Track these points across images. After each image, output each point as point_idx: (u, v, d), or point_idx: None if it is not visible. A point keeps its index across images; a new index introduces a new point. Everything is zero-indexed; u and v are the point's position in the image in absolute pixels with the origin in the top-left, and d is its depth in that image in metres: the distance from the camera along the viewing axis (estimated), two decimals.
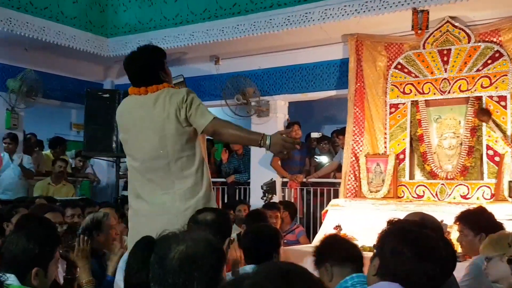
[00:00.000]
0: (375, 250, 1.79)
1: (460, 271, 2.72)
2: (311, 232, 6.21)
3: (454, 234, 3.74)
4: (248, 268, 2.82)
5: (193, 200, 2.73)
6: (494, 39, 5.33)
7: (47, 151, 8.05)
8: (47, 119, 9.09)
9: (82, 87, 7.74)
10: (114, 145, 6.94)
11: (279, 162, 6.74)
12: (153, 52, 2.93)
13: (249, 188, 7.06)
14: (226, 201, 7.24)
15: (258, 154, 7.01)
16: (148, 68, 2.86)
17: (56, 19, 6.77)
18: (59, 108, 8.50)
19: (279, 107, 7.00)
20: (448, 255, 1.65)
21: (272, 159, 6.69)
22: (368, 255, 2.05)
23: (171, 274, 1.45)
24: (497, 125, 5.22)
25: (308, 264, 4.66)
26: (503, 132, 5.19)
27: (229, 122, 2.89)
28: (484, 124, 5.33)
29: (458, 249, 3.18)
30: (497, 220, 3.08)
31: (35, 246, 2.06)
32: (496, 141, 5.27)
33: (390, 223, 1.82)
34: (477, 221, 2.95)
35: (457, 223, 2.99)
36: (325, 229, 5.27)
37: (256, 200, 6.26)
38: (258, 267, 1.08)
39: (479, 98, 5.39)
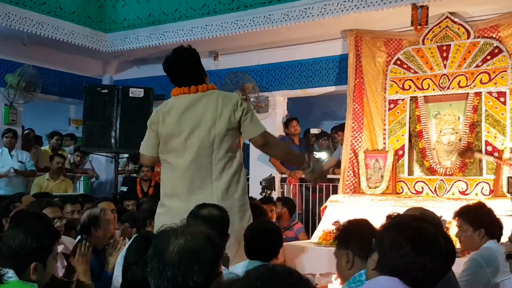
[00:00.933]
0: (372, 245, 1.79)
1: (459, 266, 2.72)
2: (309, 228, 6.21)
3: (452, 230, 3.74)
4: (244, 264, 2.82)
5: (228, 201, 2.79)
6: (494, 35, 5.33)
7: (46, 147, 8.03)
8: (46, 114, 9.09)
9: (81, 82, 7.73)
10: (113, 140, 6.94)
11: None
12: (195, 52, 3.00)
13: (248, 184, 7.05)
14: None
15: (257, 150, 7.00)
16: (197, 67, 2.93)
17: (54, 14, 6.75)
18: (57, 103, 8.49)
19: (278, 103, 7.00)
20: (447, 249, 1.65)
21: None
22: None
23: (170, 267, 1.45)
24: (481, 153, 5.24)
25: (306, 260, 4.67)
26: (493, 155, 5.18)
27: (277, 138, 3.00)
28: (483, 120, 5.32)
29: (457, 244, 3.18)
30: (496, 216, 3.07)
31: (32, 241, 2.06)
32: (495, 137, 5.27)
33: (389, 217, 1.81)
34: (476, 217, 2.95)
35: (456, 218, 2.99)
36: (324, 225, 5.28)
37: (254, 196, 6.25)
38: (249, 270, 1.10)
39: (478, 94, 5.39)
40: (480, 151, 5.33)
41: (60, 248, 3.02)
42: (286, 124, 6.93)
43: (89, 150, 7.53)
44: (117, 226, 3.82)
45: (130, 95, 6.94)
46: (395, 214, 1.85)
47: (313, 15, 5.75)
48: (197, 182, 2.83)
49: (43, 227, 2.14)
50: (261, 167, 6.79)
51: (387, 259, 1.67)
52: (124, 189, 7.17)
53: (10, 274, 1.99)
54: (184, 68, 2.91)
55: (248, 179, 7.03)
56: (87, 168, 8.07)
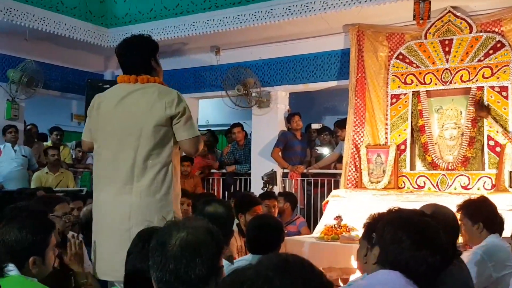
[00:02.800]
0: (373, 240, 1.79)
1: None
2: (311, 222, 6.21)
3: None
4: (247, 257, 2.83)
5: (148, 200, 2.67)
6: (496, 29, 5.31)
7: (48, 142, 8.05)
8: (48, 110, 9.10)
9: (83, 77, 7.73)
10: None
11: (280, 153, 6.74)
12: (148, 40, 2.87)
13: (249, 179, 7.07)
14: (224, 190, 7.26)
15: (259, 145, 7.02)
16: (145, 57, 2.79)
17: (56, 9, 6.75)
18: (59, 98, 8.49)
19: (280, 98, 6.99)
20: (448, 244, 1.65)
21: (272, 150, 6.69)
22: None
23: (172, 259, 1.46)
24: (496, 121, 5.21)
25: (308, 254, 4.68)
26: (503, 126, 5.17)
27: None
28: None
29: (459, 239, 3.19)
30: (498, 211, 3.07)
31: (28, 235, 2.06)
32: (497, 131, 5.26)
33: (390, 211, 1.81)
34: (477, 211, 2.96)
35: (459, 211, 3.00)
36: (326, 220, 5.29)
37: (256, 191, 6.26)
38: (261, 257, 1.09)
39: (480, 89, 5.37)
40: (481, 147, 5.31)
41: None
42: (288, 119, 6.92)
43: None
44: None
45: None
46: (396, 208, 1.85)
47: (315, 10, 5.73)
48: (119, 176, 2.70)
49: (37, 220, 2.13)
50: (262, 162, 6.79)
51: (388, 253, 1.67)
52: None
53: (11, 268, 1.99)
54: (131, 54, 2.79)
55: (249, 174, 7.09)
56: (89, 163, 8.07)
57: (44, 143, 8.00)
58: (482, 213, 2.95)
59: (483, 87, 5.35)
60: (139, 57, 2.79)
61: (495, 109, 5.28)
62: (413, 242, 1.62)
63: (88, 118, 2.91)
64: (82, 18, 7.08)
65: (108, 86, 7.25)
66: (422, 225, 1.67)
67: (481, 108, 5.27)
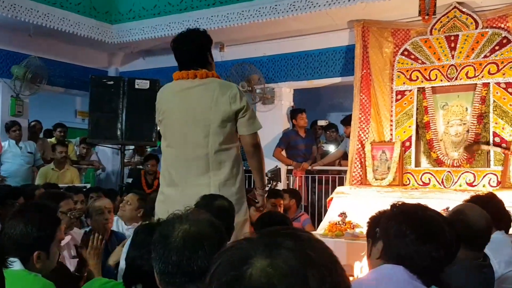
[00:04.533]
0: (377, 234, 1.77)
1: None
2: (315, 219, 6.20)
3: None
4: None
5: (226, 194, 2.72)
6: (502, 25, 5.27)
7: (52, 139, 8.06)
8: (52, 106, 9.11)
9: (87, 74, 7.72)
10: (119, 132, 6.93)
11: (282, 153, 6.71)
12: (203, 34, 2.91)
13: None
14: None
15: (262, 142, 6.96)
16: (201, 51, 2.83)
17: (60, 5, 6.75)
18: (63, 95, 8.50)
19: (284, 94, 6.97)
20: (452, 237, 1.63)
21: (274, 150, 6.66)
22: None
23: (175, 251, 1.46)
24: (489, 143, 5.19)
25: None
26: (501, 146, 5.13)
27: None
28: (491, 111, 5.28)
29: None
30: (506, 208, 3.05)
31: (33, 230, 2.06)
32: (503, 128, 5.22)
33: (394, 206, 1.79)
34: (484, 207, 2.93)
35: None
36: (330, 217, 5.26)
37: None
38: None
39: (486, 85, 5.34)
40: (487, 143, 5.28)
41: (67, 239, 3.04)
42: (293, 115, 6.87)
43: (95, 142, 7.53)
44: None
45: (136, 86, 6.91)
46: (400, 203, 1.83)
47: (319, 6, 5.71)
48: (193, 172, 2.77)
49: (43, 215, 2.13)
50: (267, 158, 6.75)
51: (391, 247, 1.65)
52: (130, 181, 7.19)
53: (16, 262, 1.99)
54: (187, 48, 2.83)
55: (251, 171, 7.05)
56: (93, 160, 8.09)
57: (49, 140, 8.01)
58: (490, 209, 2.92)
59: (488, 83, 5.31)
60: (196, 51, 2.82)
61: (500, 105, 5.24)
62: (417, 236, 1.60)
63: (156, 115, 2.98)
64: (86, 14, 7.07)
65: (112, 82, 7.29)
66: (426, 219, 1.65)
67: (470, 148, 5.27)
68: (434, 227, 1.62)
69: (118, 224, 4.17)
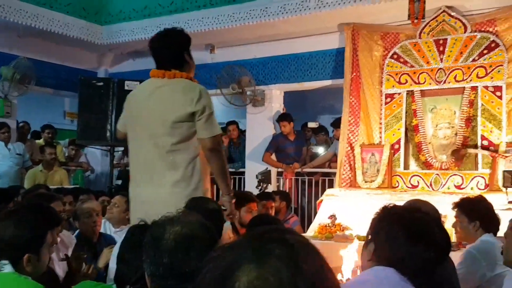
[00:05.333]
0: (369, 237, 1.78)
1: (454, 260, 2.71)
2: (305, 222, 6.21)
3: (447, 224, 3.75)
4: None
5: (179, 194, 2.71)
6: (490, 29, 5.32)
7: (41, 140, 8.00)
8: (40, 107, 9.04)
9: (76, 75, 7.66)
10: (108, 134, 6.89)
11: (272, 156, 6.72)
12: (180, 34, 2.92)
13: (243, 177, 7.06)
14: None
15: (253, 143, 7.00)
16: (177, 51, 2.84)
17: (49, 6, 6.70)
18: (52, 96, 8.44)
19: (275, 96, 6.98)
20: (443, 239, 1.64)
21: (263, 154, 6.66)
22: (362, 244, 1.98)
23: (167, 253, 1.46)
24: (476, 147, 5.24)
25: None
26: (489, 149, 5.18)
27: (224, 152, 2.89)
28: (479, 114, 5.33)
29: (452, 238, 3.19)
30: (494, 211, 3.08)
31: (24, 232, 2.04)
32: (491, 131, 5.27)
33: (385, 208, 1.80)
34: (474, 209, 2.97)
35: (455, 209, 3.00)
36: (320, 219, 5.28)
37: (250, 190, 6.25)
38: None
39: (474, 89, 5.39)
40: (474, 147, 5.33)
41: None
42: (278, 121, 6.85)
43: (84, 143, 7.49)
44: None
45: (126, 88, 6.87)
46: (391, 205, 1.84)
47: (310, 8, 5.73)
48: (151, 170, 2.77)
49: (34, 217, 2.11)
50: (256, 160, 6.77)
51: (382, 249, 1.66)
52: (119, 182, 7.15)
53: (7, 265, 1.97)
54: (163, 48, 2.84)
55: (243, 173, 7.07)
56: (82, 161, 8.04)
57: (37, 141, 7.95)
58: (479, 212, 2.96)
59: (477, 87, 5.36)
60: (171, 51, 2.83)
61: (489, 109, 5.29)
62: (408, 238, 1.61)
63: (123, 110, 3.00)
64: (76, 15, 7.03)
65: (101, 83, 7.26)
66: (417, 220, 1.66)
67: (458, 153, 5.32)
68: (425, 229, 1.64)
69: (106, 227, 4.14)
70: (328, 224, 4.92)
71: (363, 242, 2.02)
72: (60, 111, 9.69)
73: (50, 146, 6.92)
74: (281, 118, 6.73)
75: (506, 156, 4.97)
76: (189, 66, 2.88)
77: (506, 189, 4.36)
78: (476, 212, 2.95)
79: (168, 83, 2.77)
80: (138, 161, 2.87)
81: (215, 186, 3.28)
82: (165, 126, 2.72)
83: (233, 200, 2.89)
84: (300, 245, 0.82)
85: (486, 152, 5.20)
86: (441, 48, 5.54)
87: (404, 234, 1.62)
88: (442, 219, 4.07)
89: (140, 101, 2.85)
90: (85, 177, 8.35)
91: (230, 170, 7.12)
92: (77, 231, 3.67)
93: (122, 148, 7.85)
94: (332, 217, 4.96)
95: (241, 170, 7.15)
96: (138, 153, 2.86)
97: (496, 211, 3.17)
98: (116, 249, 3.03)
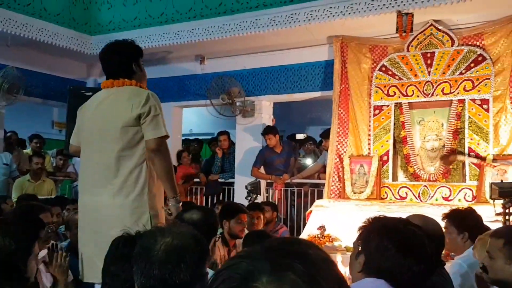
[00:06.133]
0: (359, 248, 1.79)
1: None
2: (294, 233, 6.21)
3: None
4: None
5: (121, 201, 2.69)
6: (477, 43, 5.40)
7: (28, 150, 7.93)
8: (28, 117, 8.97)
9: (65, 84, 7.64)
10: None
11: (260, 169, 6.71)
12: (129, 45, 2.92)
13: (233, 188, 7.05)
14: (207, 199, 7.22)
15: (242, 154, 7.01)
16: (123, 59, 2.85)
17: (39, 16, 6.68)
18: (40, 105, 8.39)
19: (264, 107, 7.00)
20: (432, 251, 1.66)
21: (251, 169, 6.65)
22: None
23: (157, 265, 1.45)
24: (464, 154, 5.30)
25: None
26: (479, 157, 5.24)
27: (169, 155, 2.83)
28: (466, 127, 5.38)
29: None
30: (484, 223, 3.11)
31: (11, 243, 2.02)
32: (478, 143, 5.33)
33: (375, 219, 1.81)
34: (464, 220, 2.99)
35: (445, 219, 3.03)
36: (309, 230, 5.28)
37: (240, 200, 6.24)
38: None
39: (461, 101, 5.45)
40: (463, 153, 5.38)
41: (43, 253, 2.99)
42: (262, 133, 6.83)
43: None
44: None
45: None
46: (382, 216, 1.85)
47: (299, 21, 5.77)
48: (97, 178, 2.76)
49: (21, 228, 2.09)
50: (246, 171, 6.77)
51: (373, 261, 1.67)
52: None
53: None
54: (111, 59, 2.85)
55: (233, 183, 7.06)
56: (70, 172, 7.97)
57: (25, 151, 7.87)
58: (468, 224, 2.98)
59: (464, 99, 5.43)
60: (119, 62, 2.85)
61: (476, 121, 5.35)
62: (398, 250, 1.62)
63: (76, 124, 2.98)
64: (65, 25, 7.02)
65: (90, 93, 7.18)
66: (408, 233, 1.67)
67: (447, 158, 5.37)
68: (415, 241, 1.65)
69: None
70: (317, 235, 4.92)
71: (349, 254, 2.03)
72: (48, 120, 9.63)
73: (38, 156, 6.87)
74: (266, 131, 6.67)
75: (494, 166, 5.02)
76: (138, 76, 2.88)
77: (494, 201, 4.39)
78: (466, 224, 2.97)
79: (116, 91, 2.79)
80: (86, 170, 2.87)
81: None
82: (113, 132, 2.72)
83: (180, 204, 2.83)
84: (319, 260, 0.80)
85: (474, 160, 5.24)
86: (428, 61, 5.61)
87: (395, 246, 1.62)
88: None
89: (90, 112, 2.86)
90: (72, 187, 8.27)
91: (220, 180, 7.18)
92: (68, 241, 3.63)
93: None
94: (321, 228, 4.97)
95: (231, 180, 7.14)
96: (86, 163, 2.86)
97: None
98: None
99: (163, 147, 2.76)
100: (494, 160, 5.07)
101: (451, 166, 5.49)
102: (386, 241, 1.64)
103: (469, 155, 5.30)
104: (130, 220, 2.61)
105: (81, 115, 2.93)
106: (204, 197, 7.31)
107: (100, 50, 2.96)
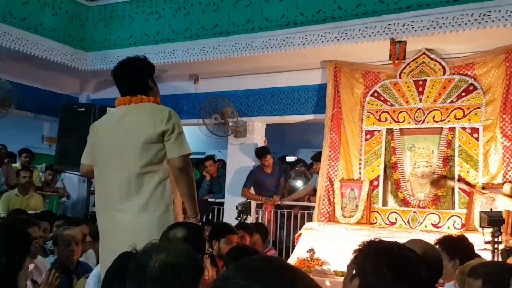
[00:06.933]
0: (353, 271, 1.79)
1: None
2: (283, 255, 6.17)
3: None
4: None
5: (146, 218, 2.66)
6: (469, 72, 5.49)
7: (17, 164, 7.86)
8: (19, 130, 8.90)
9: (57, 99, 7.63)
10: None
11: (251, 190, 6.71)
12: (143, 61, 2.92)
13: (222, 208, 7.02)
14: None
15: (233, 174, 7.00)
16: (141, 78, 2.84)
17: (34, 31, 6.69)
18: (31, 120, 8.34)
19: (257, 128, 7.02)
20: (427, 276, 1.66)
21: (242, 190, 6.66)
22: (340, 279, 1.99)
23: (151, 282, 1.43)
24: (455, 180, 5.35)
25: None
26: (469, 184, 5.29)
27: (193, 173, 2.83)
28: (456, 154, 5.43)
29: None
30: (475, 252, 3.13)
31: (1, 257, 1.99)
32: (467, 172, 5.37)
33: (370, 243, 1.81)
34: (456, 248, 3.01)
35: (437, 245, 3.03)
36: (299, 253, 5.26)
37: (229, 221, 6.20)
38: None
39: (452, 129, 5.51)
40: (453, 179, 5.42)
41: (30, 267, 2.95)
42: (258, 156, 6.80)
43: (62, 168, 7.38)
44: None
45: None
46: (377, 239, 1.85)
47: (294, 45, 5.84)
48: (118, 196, 2.71)
49: (12, 242, 2.07)
50: (236, 191, 6.75)
51: (368, 284, 1.67)
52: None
53: None
54: (126, 76, 2.85)
55: (222, 203, 7.03)
56: (59, 187, 7.90)
57: (14, 165, 7.80)
58: (460, 251, 3.00)
59: (454, 128, 5.49)
60: (135, 78, 2.83)
61: (466, 150, 5.40)
62: (394, 274, 1.62)
63: (88, 143, 2.92)
64: (61, 40, 7.03)
65: (83, 109, 7.22)
66: (402, 257, 1.67)
67: (437, 183, 5.42)
68: (410, 266, 1.65)
69: (88, 257, 4.06)
70: (307, 258, 4.91)
71: (338, 278, 2.03)
72: (38, 135, 9.56)
73: (26, 170, 6.81)
74: (265, 152, 6.69)
75: (483, 193, 5.05)
76: (154, 92, 2.88)
77: (483, 229, 4.41)
78: (458, 251, 2.98)
79: (135, 108, 2.77)
80: (104, 189, 2.79)
81: None
82: (135, 149, 2.68)
83: (199, 223, 2.84)
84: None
85: (464, 186, 5.27)
86: (420, 89, 5.68)
87: (390, 270, 1.63)
88: None
89: (108, 129, 2.81)
90: (60, 203, 8.19)
91: (210, 200, 7.15)
92: (55, 257, 3.59)
93: None
94: (311, 251, 4.95)
95: (221, 200, 7.11)
96: (104, 181, 2.79)
97: None
98: (90, 278, 2.98)
99: (188, 165, 2.75)
100: (484, 188, 5.12)
101: (440, 193, 5.52)
102: (382, 265, 1.64)
103: (458, 181, 5.34)
104: (157, 237, 2.57)
105: (95, 133, 2.86)
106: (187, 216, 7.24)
107: (114, 67, 2.91)
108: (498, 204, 4.89)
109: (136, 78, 2.83)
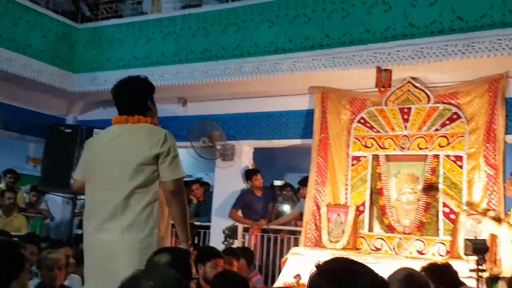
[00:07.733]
0: None
1: None
2: (269, 280, 6.14)
3: None
4: None
5: (129, 240, 2.63)
6: (453, 101, 5.59)
7: (1, 184, 7.76)
8: (3, 151, 8.81)
9: (43, 120, 7.59)
10: (72, 181, 6.76)
11: (238, 213, 6.71)
12: (143, 81, 2.92)
13: (209, 232, 6.98)
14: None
15: (220, 198, 6.98)
16: (137, 96, 2.84)
17: (23, 52, 6.70)
18: (16, 140, 8.27)
19: (244, 152, 7.05)
20: None
21: (230, 211, 6.66)
22: None
23: None
24: (447, 194, 5.41)
25: None
26: (456, 199, 5.35)
27: (185, 197, 2.82)
28: (441, 182, 5.49)
29: None
30: (460, 279, 3.15)
31: None
32: (452, 199, 5.42)
33: (318, 265, 1.77)
34: (441, 275, 3.03)
35: (422, 272, 3.05)
36: (285, 278, 5.24)
37: (216, 245, 6.17)
38: None
39: (436, 157, 5.58)
40: (436, 213, 5.46)
41: None
42: (248, 176, 6.87)
43: (46, 189, 7.31)
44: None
45: (94, 135, 6.83)
46: (321, 261, 1.81)
47: (282, 70, 5.92)
48: (107, 215, 2.68)
49: (2, 263, 2.04)
50: (223, 215, 6.73)
51: None
52: (80, 231, 6.95)
53: None
54: (125, 95, 2.85)
55: (209, 227, 7.00)
56: (42, 208, 7.81)
57: None
58: (446, 278, 3.02)
59: (439, 155, 5.56)
60: (134, 99, 2.83)
61: (450, 177, 5.47)
62: None
63: (81, 159, 2.92)
64: (49, 62, 7.04)
65: (69, 130, 7.19)
66: (348, 275, 1.62)
67: (429, 190, 5.49)
68: (355, 283, 1.61)
69: (74, 281, 4.00)
70: (293, 283, 4.88)
71: None
72: (23, 156, 9.46)
73: (11, 191, 6.73)
74: (253, 172, 6.76)
75: (472, 214, 5.09)
76: (152, 113, 2.88)
77: (468, 257, 4.44)
78: (443, 278, 3.01)
79: (131, 128, 2.77)
80: (93, 207, 2.77)
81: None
82: (128, 169, 2.67)
83: (191, 249, 2.81)
84: None
85: (453, 203, 5.32)
86: (405, 116, 5.77)
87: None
88: None
89: (102, 147, 2.80)
90: (43, 224, 8.08)
91: (196, 223, 7.11)
92: (38, 281, 3.54)
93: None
94: (297, 276, 4.93)
95: (207, 224, 7.07)
96: (94, 199, 2.77)
97: None
98: None
99: (181, 188, 2.74)
100: (470, 213, 5.15)
101: (424, 219, 5.53)
102: (325, 283, 1.61)
103: (443, 215, 5.38)
104: (137, 259, 2.54)
105: (90, 149, 2.86)
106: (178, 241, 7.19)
107: (113, 86, 2.91)
108: (483, 227, 4.93)
109: (135, 98, 2.83)
